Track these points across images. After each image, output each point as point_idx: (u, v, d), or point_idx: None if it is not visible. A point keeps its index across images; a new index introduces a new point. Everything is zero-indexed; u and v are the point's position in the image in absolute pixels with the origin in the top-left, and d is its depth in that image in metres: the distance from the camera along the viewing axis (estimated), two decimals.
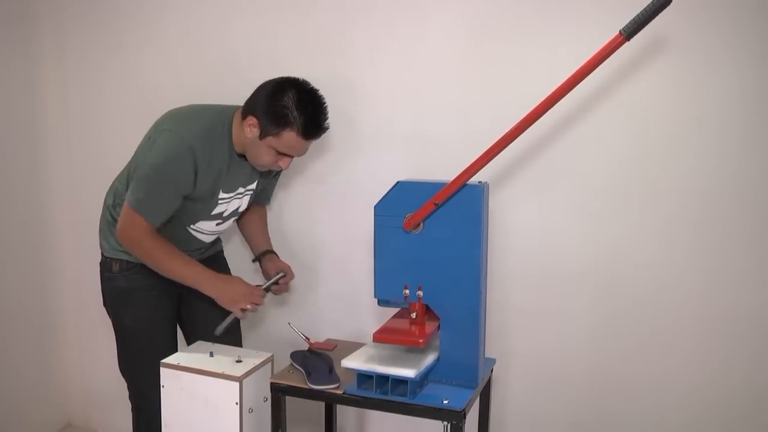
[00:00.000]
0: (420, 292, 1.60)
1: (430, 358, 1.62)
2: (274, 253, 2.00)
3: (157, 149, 1.68)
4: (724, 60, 1.65)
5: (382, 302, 1.68)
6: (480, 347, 1.61)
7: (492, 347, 1.90)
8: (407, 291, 1.61)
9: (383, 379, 1.57)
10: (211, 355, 1.72)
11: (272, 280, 1.82)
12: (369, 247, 1.86)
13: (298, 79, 1.71)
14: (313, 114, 1.68)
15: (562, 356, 1.90)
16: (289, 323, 1.92)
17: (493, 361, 1.82)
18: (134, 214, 1.70)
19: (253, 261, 2.01)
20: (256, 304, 1.76)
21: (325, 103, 1.71)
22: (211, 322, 1.86)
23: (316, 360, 1.70)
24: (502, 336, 1.94)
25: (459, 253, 1.56)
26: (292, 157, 1.75)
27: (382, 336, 1.58)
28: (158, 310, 1.89)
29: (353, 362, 1.60)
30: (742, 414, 1.75)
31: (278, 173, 2.00)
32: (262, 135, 1.69)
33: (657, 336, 1.80)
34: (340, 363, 1.63)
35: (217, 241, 2.05)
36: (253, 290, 1.76)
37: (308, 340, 1.83)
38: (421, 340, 1.55)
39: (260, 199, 2.03)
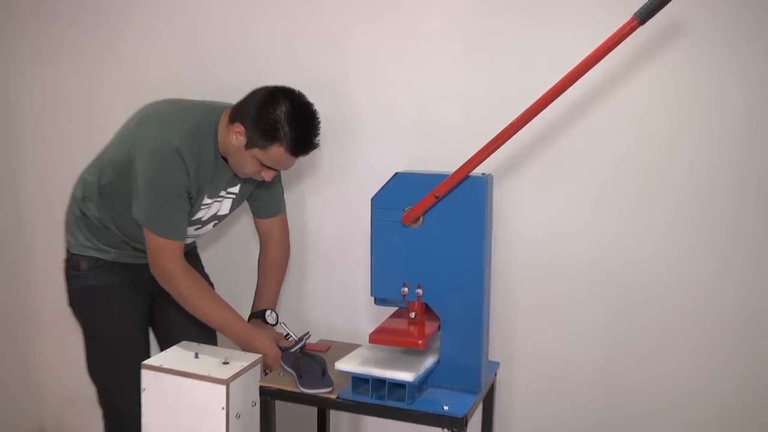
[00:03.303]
0: (419, 291, 1.61)
1: (429, 361, 1.62)
2: (259, 317, 1.91)
3: (147, 161, 1.68)
4: (742, 45, 1.65)
5: (379, 301, 1.68)
6: (483, 349, 1.61)
7: (496, 349, 1.91)
8: (405, 289, 1.61)
9: (380, 382, 1.57)
10: (197, 356, 1.73)
11: (301, 344, 1.79)
12: (365, 241, 1.87)
13: (293, 90, 1.71)
14: (305, 131, 1.68)
15: (570, 357, 1.91)
16: (282, 323, 1.92)
17: (497, 364, 1.83)
18: (155, 237, 1.71)
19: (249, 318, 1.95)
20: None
21: (318, 118, 1.72)
22: (188, 326, 1.87)
23: (308, 362, 1.70)
24: (506, 337, 1.94)
25: (461, 248, 1.56)
26: (277, 170, 1.76)
27: (379, 337, 1.58)
28: (131, 310, 1.90)
29: (348, 365, 1.60)
30: (757, 411, 1.76)
31: (278, 179, 1.98)
32: (249, 145, 1.69)
33: (668, 334, 1.81)
34: (333, 365, 1.63)
35: (193, 243, 2.06)
36: (276, 356, 1.77)
37: (301, 340, 1.83)
38: (420, 342, 1.55)
39: (272, 209, 1.98)
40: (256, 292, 1.99)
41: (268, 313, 1.91)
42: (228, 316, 1.78)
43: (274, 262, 2.00)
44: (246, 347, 1.79)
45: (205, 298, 1.77)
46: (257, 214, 2.00)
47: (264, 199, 1.98)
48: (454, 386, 1.61)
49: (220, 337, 1.98)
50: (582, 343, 1.90)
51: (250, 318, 1.94)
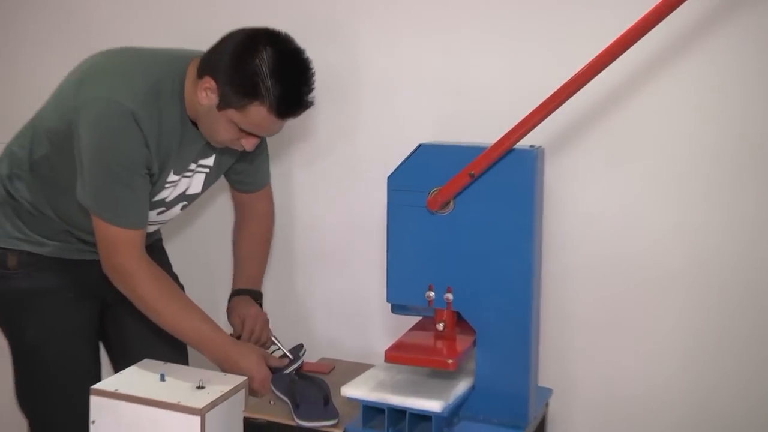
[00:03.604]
0: (449, 296, 1.60)
1: (461, 387, 1.61)
2: (249, 293, 1.98)
3: (93, 129, 1.67)
4: None
5: (397, 309, 1.68)
6: (531, 372, 1.60)
7: (548, 372, 1.89)
8: (432, 293, 1.60)
9: (399, 413, 1.56)
10: (162, 378, 1.71)
11: (297, 363, 1.82)
12: (379, 234, 1.86)
13: (277, 33, 1.68)
14: (293, 85, 1.66)
15: (647, 384, 1.88)
16: (273, 337, 1.93)
17: (549, 391, 1.80)
18: (108, 226, 1.71)
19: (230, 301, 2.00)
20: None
21: (311, 69, 1.69)
22: (151, 340, 1.89)
23: (306, 387, 1.70)
24: (561, 356, 1.93)
25: (503, 242, 1.56)
26: (260, 137, 1.75)
27: (398, 355, 1.57)
28: (75, 320, 1.89)
29: (357, 390, 1.60)
30: None
31: (264, 146, 1.99)
32: (222, 105, 1.68)
33: None
34: (339, 391, 1.63)
35: (157, 232, 2.07)
36: (266, 379, 1.78)
37: (297, 358, 1.84)
38: (450, 361, 1.53)
39: (258, 183, 2.02)
40: (234, 273, 2.00)
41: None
42: (203, 327, 1.78)
43: (258, 236, 2.02)
44: (227, 367, 1.78)
45: (173, 303, 1.77)
46: (238, 188, 2.02)
47: (248, 173, 1.99)
48: (494, 419, 1.60)
49: (192, 353, 1.98)
50: (663, 366, 1.87)
51: (231, 299, 1.97)
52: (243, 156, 1.93)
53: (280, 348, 1.91)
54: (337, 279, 2.14)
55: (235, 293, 1.99)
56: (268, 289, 2.11)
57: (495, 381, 1.59)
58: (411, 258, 1.61)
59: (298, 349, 1.90)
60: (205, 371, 1.77)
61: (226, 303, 2.01)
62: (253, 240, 2.05)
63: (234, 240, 2.05)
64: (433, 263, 1.60)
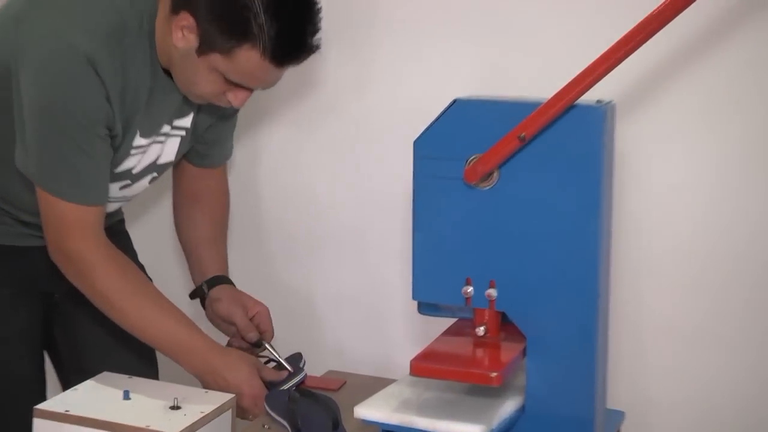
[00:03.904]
0: (492, 292, 1.58)
1: (507, 408, 1.60)
2: (231, 282, 2.03)
3: (37, 77, 1.66)
4: None
5: (426, 308, 1.69)
6: (597, 391, 1.59)
7: (619, 392, 1.88)
8: (470, 289, 1.59)
9: None
10: (127, 396, 1.70)
11: (299, 378, 1.85)
12: (402, 214, 1.88)
13: None
14: (295, 23, 1.66)
15: (748, 409, 1.88)
16: (266, 344, 1.93)
17: (621, 415, 1.79)
18: (57, 202, 1.70)
19: (194, 296, 2.04)
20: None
21: (317, 2, 1.71)
22: (111, 347, 1.92)
23: (310, 407, 1.70)
24: (637, 372, 1.93)
25: (561, 224, 1.55)
26: (251, 90, 1.75)
27: (427, 366, 1.56)
28: (11, 323, 1.90)
29: (375, 411, 1.59)
30: None
31: (235, 113, 2.02)
32: (203, 48, 1.67)
33: None
34: (351, 412, 1.62)
35: (118, 212, 2.08)
36: (258, 396, 1.78)
37: (298, 371, 1.85)
38: (493, 375, 1.52)
39: (221, 155, 2.07)
40: (199, 260, 2.03)
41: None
42: (180, 330, 1.78)
43: (219, 216, 2.07)
44: (209, 380, 1.78)
45: (142, 299, 1.77)
46: (195, 161, 2.02)
47: (215, 143, 2.01)
48: None
49: (166, 365, 1.98)
50: None
51: (208, 291, 1.99)
52: (221, 117, 1.94)
53: (275, 357, 1.91)
54: (348, 271, 2.14)
55: (213, 282, 1.99)
56: (258, 284, 2.11)
57: (551, 401, 1.58)
58: (443, 244, 1.61)
59: (297, 359, 1.91)
60: (181, 387, 1.76)
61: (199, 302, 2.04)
62: (215, 221, 2.08)
63: (184, 222, 2.07)
64: (471, 251, 1.59)
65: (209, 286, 1.99)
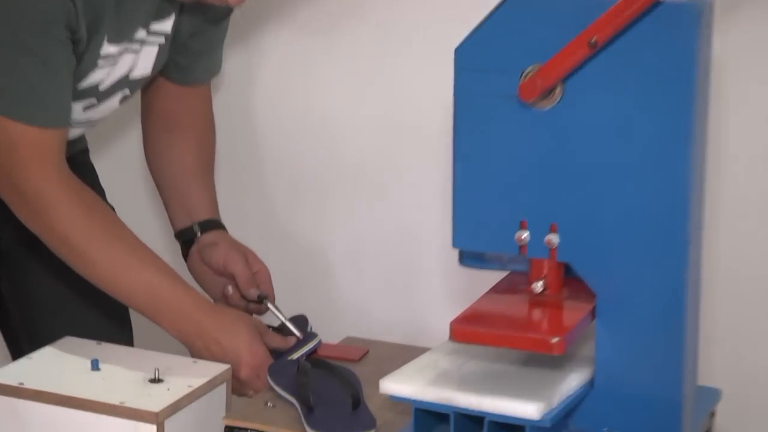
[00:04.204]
0: (553, 238, 1.55)
1: (572, 383, 1.59)
2: (224, 227, 2.09)
3: None
4: None
5: (469, 259, 1.68)
6: (686, 363, 1.57)
7: (713, 366, 1.91)
8: (525, 234, 1.56)
9: (471, 422, 1.54)
10: (95, 365, 1.72)
11: (312, 345, 1.90)
12: (440, 141, 1.92)
13: None
14: None
15: None
16: (264, 299, 1.95)
17: (717, 393, 1.77)
18: (3, 123, 1.72)
19: (182, 238, 2.10)
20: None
21: None
22: (75, 307, 1.98)
23: (324, 381, 1.72)
24: (735, 342, 1.99)
25: (642, 154, 1.53)
26: None
27: (470, 330, 1.55)
28: None
29: (405, 386, 1.58)
30: None
31: (227, 16, 2.05)
32: None
33: None
34: (375, 387, 1.61)
35: (81, 139, 2.14)
36: (260, 365, 1.81)
37: (309, 337, 1.90)
38: (554, 341, 1.49)
39: (207, 70, 2.12)
40: (183, 200, 2.09)
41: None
42: (163, 283, 1.81)
43: (206, 149, 2.13)
44: (200, 347, 1.81)
45: (114, 245, 1.80)
46: (176, 77, 2.07)
47: (204, 52, 2.06)
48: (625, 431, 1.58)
49: (143, 327, 2.03)
50: None
51: (195, 238, 2.04)
52: (206, 24, 1.97)
53: (279, 319, 1.94)
54: (370, 216, 2.21)
55: (207, 226, 2.03)
56: (255, 236, 2.17)
57: (627, 376, 1.57)
58: (492, 179, 1.59)
59: (302, 324, 1.96)
60: (163, 355, 1.78)
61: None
62: (202, 150, 2.14)
63: (162, 153, 2.13)
64: (527, 186, 1.57)
65: (202, 229, 2.01)
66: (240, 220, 2.16)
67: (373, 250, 2.21)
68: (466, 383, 1.58)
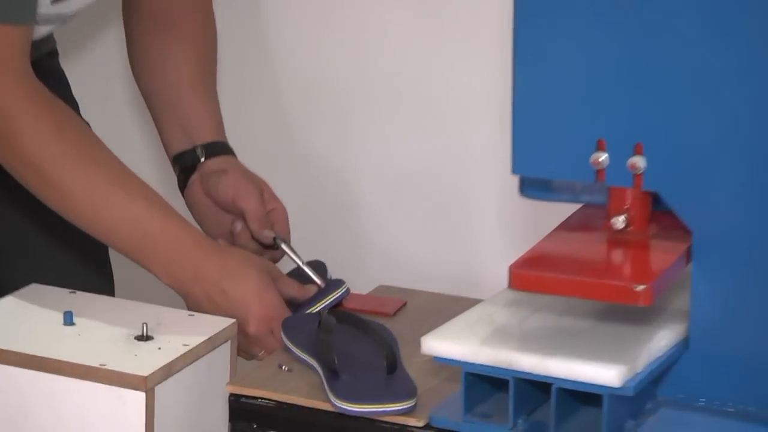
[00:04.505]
0: (638, 161, 1.53)
1: (661, 341, 1.58)
2: (233, 152, 2.12)
3: None
4: None
5: (531, 189, 1.68)
6: None
7: None
8: (602, 157, 1.55)
9: (534, 389, 1.55)
10: (69, 319, 1.74)
11: (336, 296, 1.93)
12: (489, 41, 1.99)
13: None
14: None
15: None
16: (282, 244, 1.97)
17: None
18: None
19: (180, 163, 2.12)
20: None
21: None
22: (43, 250, 2.05)
23: (352, 340, 1.73)
24: None
25: (749, 55, 1.50)
26: None
27: (535, 275, 1.54)
28: None
29: (453, 345, 1.58)
30: None
31: None
32: None
33: None
34: (416, 347, 1.62)
35: (49, 39, 2.15)
36: (273, 319, 1.85)
37: (333, 285, 1.93)
38: (640, 288, 1.47)
39: None
40: (171, 115, 2.12)
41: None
42: (154, 218, 1.84)
43: (207, 55, 2.17)
44: (198, 295, 1.85)
45: (93, 171, 1.82)
46: None
47: None
48: (729, 406, 1.58)
49: (127, 273, 2.09)
50: None
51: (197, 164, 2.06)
52: None
53: (297, 264, 1.96)
54: (407, 132, 2.24)
55: (213, 150, 2.02)
56: (266, 163, 2.20)
57: (730, 333, 1.56)
58: (560, 89, 1.57)
59: (321, 270, 1.98)
60: (153, 307, 1.81)
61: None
62: (202, 56, 2.16)
63: (152, 58, 2.14)
64: (605, 96, 1.55)
65: (206, 153, 2.00)
66: (242, 140, 2.15)
67: (410, 179, 2.22)
68: (528, 342, 1.57)
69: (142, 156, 2.26)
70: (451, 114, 2.14)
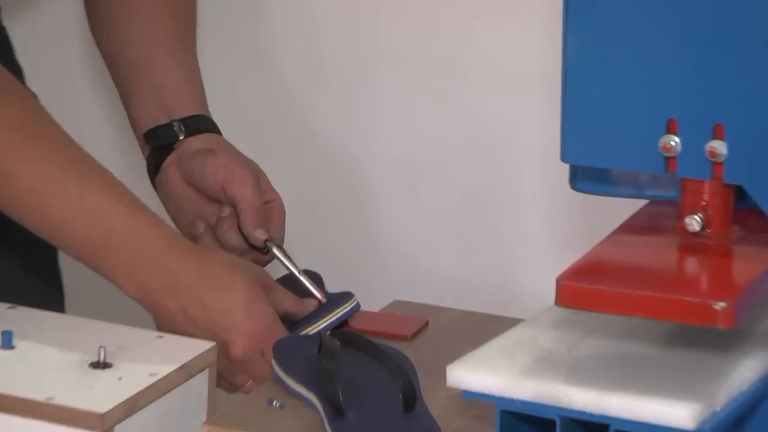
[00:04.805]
0: (718, 146, 1.53)
1: (746, 371, 1.56)
2: (218, 130, 2.17)
3: None
4: None
5: (584, 181, 1.71)
6: None
7: None
8: (673, 141, 1.55)
9: (587, 430, 1.54)
10: (7, 342, 1.76)
11: (342, 313, 1.97)
12: (538, 19, 1.95)
13: None
14: None
15: None
16: (273, 248, 1.99)
17: None
18: None
19: (153, 141, 2.15)
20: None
21: None
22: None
23: (361, 368, 1.75)
24: None
25: None
26: None
27: (588, 290, 1.52)
28: None
29: (486, 375, 1.57)
30: None
31: None
32: None
33: None
34: (441, 377, 1.60)
35: None
36: (264, 340, 1.87)
37: (336, 302, 1.96)
38: (720, 306, 1.45)
39: None
40: (142, 85, 2.14)
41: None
42: (118, 210, 1.86)
43: (185, 11, 2.23)
44: (170, 311, 1.87)
45: (41, 154, 1.85)
46: None
47: None
48: None
49: (80, 284, 2.12)
50: None
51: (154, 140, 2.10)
52: None
53: (291, 271, 1.99)
54: (432, 109, 2.26)
55: (195, 125, 2.07)
56: (250, 134, 2.30)
57: None
58: (620, 56, 1.58)
59: (317, 282, 2.02)
60: (113, 326, 1.84)
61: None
62: (178, 12, 2.21)
63: (116, 16, 2.18)
64: (676, 69, 1.55)
65: (186, 129, 2.03)
66: (228, 117, 2.16)
67: (432, 169, 2.22)
68: (579, 373, 1.56)
69: (102, 135, 2.27)
70: (484, 90, 2.15)
